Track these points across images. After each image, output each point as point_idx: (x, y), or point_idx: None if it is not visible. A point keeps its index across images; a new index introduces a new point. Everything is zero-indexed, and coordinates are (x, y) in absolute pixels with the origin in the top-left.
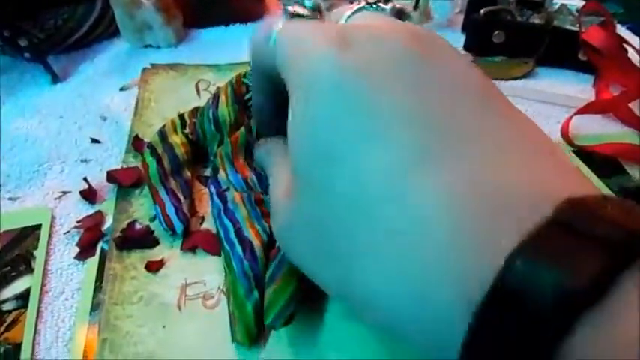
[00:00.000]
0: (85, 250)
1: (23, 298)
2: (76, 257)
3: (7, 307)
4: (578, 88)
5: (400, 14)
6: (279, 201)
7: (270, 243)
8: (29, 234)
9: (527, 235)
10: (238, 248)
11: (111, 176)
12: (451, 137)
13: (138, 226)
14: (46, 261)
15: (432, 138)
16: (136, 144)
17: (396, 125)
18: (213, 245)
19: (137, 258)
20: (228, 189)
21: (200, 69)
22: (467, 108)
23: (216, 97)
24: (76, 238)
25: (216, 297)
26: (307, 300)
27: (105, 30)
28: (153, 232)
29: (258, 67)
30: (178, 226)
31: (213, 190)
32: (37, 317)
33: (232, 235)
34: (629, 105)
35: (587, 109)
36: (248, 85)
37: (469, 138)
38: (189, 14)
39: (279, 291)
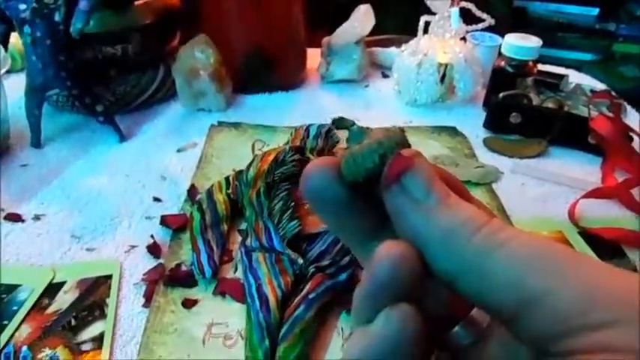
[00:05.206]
0: (150, 300)
1: (98, 340)
2: (143, 306)
3: (85, 347)
4: (587, 169)
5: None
6: None
7: (283, 297)
8: (102, 283)
9: None
10: (257, 303)
11: (163, 220)
12: None
13: (183, 268)
14: (117, 308)
15: None
16: (192, 192)
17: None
18: (239, 293)
19: (178, 295)
20: (254, 250)
21: (258, 129)
22: None
23: (252, 161)
24: (144, 288)
25: (234, 338)
26: None
27: (164, 94)
28: (193, 275)
29: None
30: (208, 272)
31: (242, 250)
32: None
33: (253, 290)
34: (632, 191)
35: (592, 194)
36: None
37: None
38: (238, 82)
39: (289, 348)
